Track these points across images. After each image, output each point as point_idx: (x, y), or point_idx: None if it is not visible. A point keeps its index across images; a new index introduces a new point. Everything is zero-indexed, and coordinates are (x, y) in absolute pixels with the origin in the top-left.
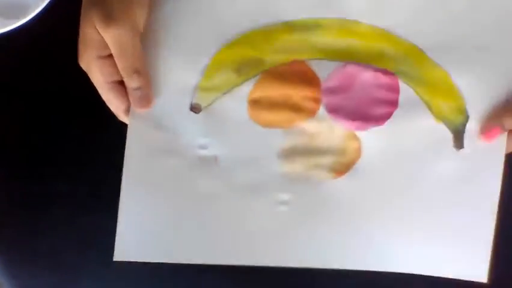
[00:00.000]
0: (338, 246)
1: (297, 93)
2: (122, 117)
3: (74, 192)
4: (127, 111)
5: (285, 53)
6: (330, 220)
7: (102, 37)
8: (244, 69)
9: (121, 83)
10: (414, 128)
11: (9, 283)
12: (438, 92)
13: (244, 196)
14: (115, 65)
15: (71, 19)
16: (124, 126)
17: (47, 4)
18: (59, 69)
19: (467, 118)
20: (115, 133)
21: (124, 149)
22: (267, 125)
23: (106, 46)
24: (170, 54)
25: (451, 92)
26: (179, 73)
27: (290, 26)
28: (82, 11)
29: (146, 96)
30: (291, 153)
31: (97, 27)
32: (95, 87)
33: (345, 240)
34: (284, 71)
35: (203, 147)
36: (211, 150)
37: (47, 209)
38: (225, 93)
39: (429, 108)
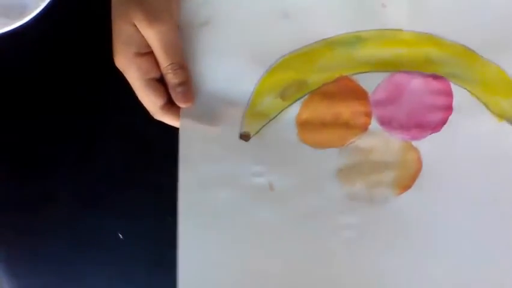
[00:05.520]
0: (412, 269)
1: (346, 110)
2: (158, 114)
3: (74, 192)
4: (163, 108)
5: (328, 71)
6: (402, 241)
7: (141, 35)
8: (289, 92)
9: (157, 80)
10: (474, 131)
11: (9, 283)
12: (496, 90)
13: (305, 223)
14: (153, 62)
15: (71, 19)
16: (123, 126)
17: (47, 4)
18: (59, 69)
19: None
20: (115, 133)
21: (123, 147)
22: (319, 145)
23: (145, 44)
24: (216, 87)
25: (509, 87)
26: (225, 104)
27: (330, 43)
28: (116, 8)
29: (190, 91)
30: (348, 173)
31: (138, 26)
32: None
33: (418, 263)
34: (330, 89)
35: (257, 174)
36: (265, 177)
37: (47, 209)
38: (272, 119)
39: (488, 108)
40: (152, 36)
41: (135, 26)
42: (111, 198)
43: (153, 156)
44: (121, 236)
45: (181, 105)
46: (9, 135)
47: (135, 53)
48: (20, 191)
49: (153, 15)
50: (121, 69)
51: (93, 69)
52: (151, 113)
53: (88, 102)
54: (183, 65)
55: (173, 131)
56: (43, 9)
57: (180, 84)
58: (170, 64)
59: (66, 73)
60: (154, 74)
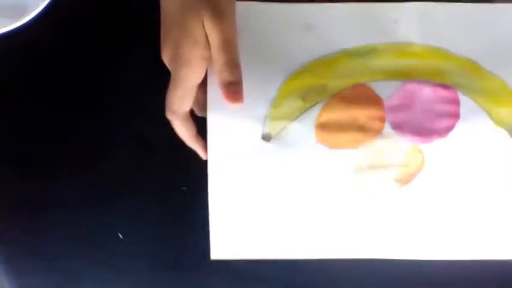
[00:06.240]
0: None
1: (362, 114)
2: (202, 113)
3: (74, 192)
4: (204, 108)
5: (347, 78)
6: (401, 229)
7: (206, 35)
8: (310, 96)
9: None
10: (476, 136)
11: (9, 283)
12: (497, 100)
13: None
14: (204, 69)
15: (71, 19)
16: (124, 127)
17: (47, 4)
18: (59, 69)
19: None
20: (116, 133)
21: (123, 148)
22: (336, 146)
23: (209, 46)
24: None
25: (510, 98)
26: (250, 105)
27: (348, 54)
28: (187, 7)
29: (241, 91)
30: (360, 172)
31: (205, 24)
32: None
33: (414, 252)
34: (348, 94)
35: (277, 172)
36: (284, 174)
37: (47, 209)
38: (293, 120)
39: (490, 115)
40: (215, 33)
41: (203, 25)
42: (111, 198)
43: (153, 156)
44: (121, 236)
45: (230, 103)
46: (9, 135)
47: (202, 56)
48: (20, 191)
49: (219, 14)
50: (181, 63)
51: (93, 69)
52: (196, 112)
53: (88, 102)
54: (238, 64)
55: (173, 132)
56: (43, 9)
57: (235, 83)
58: (228, 61)
59: (66, 73)
60: (197, 86)
